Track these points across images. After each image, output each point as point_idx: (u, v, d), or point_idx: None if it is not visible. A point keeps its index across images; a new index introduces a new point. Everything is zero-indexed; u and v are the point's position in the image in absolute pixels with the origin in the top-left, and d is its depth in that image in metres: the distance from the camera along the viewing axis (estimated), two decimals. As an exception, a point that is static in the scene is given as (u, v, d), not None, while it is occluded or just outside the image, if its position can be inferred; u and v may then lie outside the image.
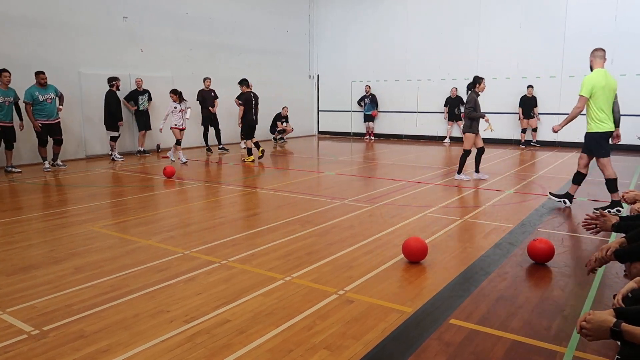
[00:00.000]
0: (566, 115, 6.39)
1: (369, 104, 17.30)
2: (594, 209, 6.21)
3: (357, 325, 3.23)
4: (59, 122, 10.44)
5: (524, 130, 14.61)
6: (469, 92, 8.65)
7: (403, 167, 10.59)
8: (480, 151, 8.78)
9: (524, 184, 8.44)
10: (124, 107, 12.35)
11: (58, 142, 10.50)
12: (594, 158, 6.41)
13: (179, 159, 11.28)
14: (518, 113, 14.65)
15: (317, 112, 19.47)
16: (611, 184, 6.31)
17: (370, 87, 17.37)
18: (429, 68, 16.40)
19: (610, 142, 6.37)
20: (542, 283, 4.06)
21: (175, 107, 11.16)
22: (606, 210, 5.77)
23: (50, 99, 10.13)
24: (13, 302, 3.66)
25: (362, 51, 17.77)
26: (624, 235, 3.06)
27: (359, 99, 17.70)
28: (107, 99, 11.58)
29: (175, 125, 11.18)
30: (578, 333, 2.20)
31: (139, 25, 12.88)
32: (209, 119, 13.32)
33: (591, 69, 6.33)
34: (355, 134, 18.41)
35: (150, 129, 12.77)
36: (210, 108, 13.24)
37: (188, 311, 3.47)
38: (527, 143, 14.60)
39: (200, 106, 13.38)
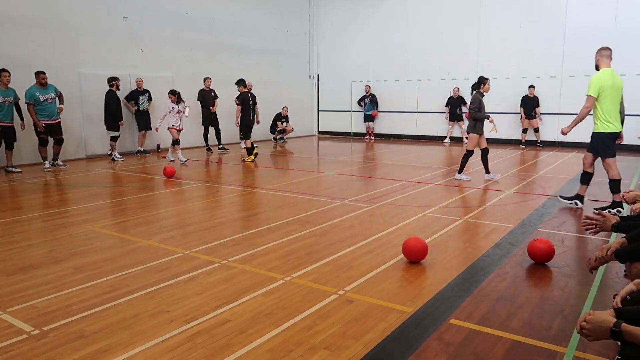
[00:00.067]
0: (569, 115, 6.38)
1: (369, 104, 17.29)
2: (594, 209, 6.21)
3: (357, 325, 3.23)
4: (60, 121, 10.44)
5: (524, 130, 14.60)
6: (474, 92, 8.59)
7: (403, 167, 10.59)
8: (485, 152, 8.74)
9: (524, 184, 8.44)
10: (124, 107, 12.36)
11: (58, 142, 10.50)
12: (599, 158, 6.40)
13: (178, 158, 11.30)
14: (519, 113, 14.64)
15: (317, 112, 19.47)
16: (615, 185, 6.30)
17: (370, 87, 17.37)
18: (429, 68, 16.40)
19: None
20: (542, 283, 4.06)
21: (173, 108, 11.22)
22: (606, 211, 5.78)
23: (51, 98, 10.13)
24: (13, 302, 3.66)
25: (362, 51, 17.76)
26: (624, 235, 3.06)
27: (359, 99, 17.70)
28: (107, 99, 11.59)
29: (173, 125, 11.27)
30: (578, 333, 2.20)
31: (139, 25, 12.88)
32: (209, 119, 13.33)
33: (597, 68, 6.25)
34: (355, 134, 18.41)
35: (151, 129, 12.77)
36: (210, 107, 13.26)
37: (188, 311, 3.47)
38: (529, 143, 14.60)
39: (200, 106, 13.40)
